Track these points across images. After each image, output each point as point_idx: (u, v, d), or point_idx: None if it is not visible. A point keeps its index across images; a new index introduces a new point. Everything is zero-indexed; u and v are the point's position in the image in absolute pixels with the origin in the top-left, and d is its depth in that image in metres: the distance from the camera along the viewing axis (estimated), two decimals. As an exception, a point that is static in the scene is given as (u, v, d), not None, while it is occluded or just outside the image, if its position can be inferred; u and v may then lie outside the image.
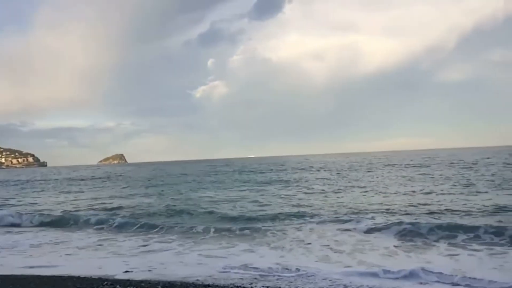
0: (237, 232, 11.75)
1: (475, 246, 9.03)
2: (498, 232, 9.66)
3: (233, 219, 13.96)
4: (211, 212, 15.44)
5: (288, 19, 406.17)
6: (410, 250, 9.04)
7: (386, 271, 7.08)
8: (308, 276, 7.14)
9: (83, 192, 29.88)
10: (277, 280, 7.04)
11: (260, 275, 7.39)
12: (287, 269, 7.73)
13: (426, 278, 6.70)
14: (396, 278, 6.83)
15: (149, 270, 7.98)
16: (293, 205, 16.75)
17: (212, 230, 12.09)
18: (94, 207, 19.36)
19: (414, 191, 19.76)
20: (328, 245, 9.76)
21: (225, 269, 7.92)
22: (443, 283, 6.54)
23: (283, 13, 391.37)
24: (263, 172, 45.15)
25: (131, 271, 7.85)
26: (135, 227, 13.23)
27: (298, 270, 7.56)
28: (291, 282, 6.90)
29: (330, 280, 6.87)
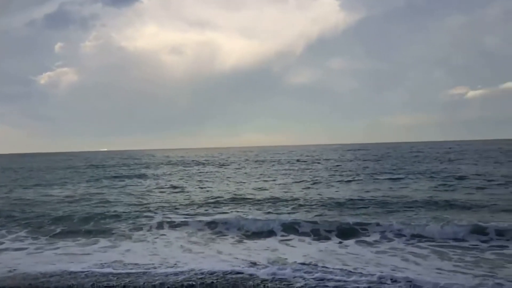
0: (91, 229, 11.53)
1: (304, 238, 10.24)
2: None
3: (82, 218, 13.12)
4: (54, 212, 14.27)
5: (146, 9, 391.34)
6: (252, 242, 9.98)
7: (253, 263, 7.90)
8: (193, 271, 7.47)
9: None
10: (166, 276, 7.23)
11: (143, 272, 7.48)
12: (167, 263, 8.10)
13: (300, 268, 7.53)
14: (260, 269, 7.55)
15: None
16: (145, 201, 16.76)
17: (60, 227, 11.72)
18: None
19: (266, 186, 21.35)
20: (183, 237, 10.41)
21: (93, 267, 7.83)
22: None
23: (140, 2, 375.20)
24: (114, 167, 43.40)
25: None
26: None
27: (177, 263, 7.96)
28: (177, 276, 7.22)
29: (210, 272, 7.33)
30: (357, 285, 6.45)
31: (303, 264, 7.72)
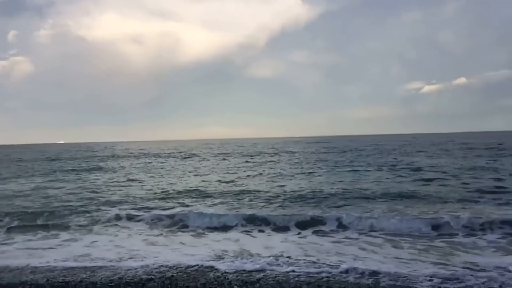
0: (48, 224, 11.21)
1: (265, 229, 10.31)
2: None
3: (38, 212, 12.54)
4: (8, 206, 13.74)
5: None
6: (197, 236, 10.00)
7: (214, 256, 8.08)
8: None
9: None
10: (126, 270, 7.17)
11: (104, 266, 7.39)
12: (130, 256, 8.06)
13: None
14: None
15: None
16: (104, 194, 16.41)
17: (16, 222, 11.39)
18: None
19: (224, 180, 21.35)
20: (144, 230, 10.42)
21: (55, 262, 7.67)
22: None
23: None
24: (71, 160, 42.14)
25: None
26: None
27: (139, 257, 7.95)
28: (136, 270, 7.18)
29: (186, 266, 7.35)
30: (321, 276, 6.58)
31: (265, 255, 7.81)
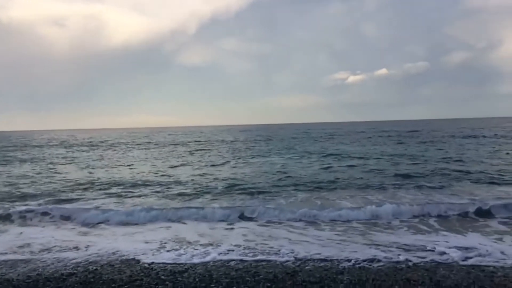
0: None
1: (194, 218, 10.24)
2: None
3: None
4: None
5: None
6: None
7: (141, 247, 7.86)
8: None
9: None
10: (47, 265, 6.86)
11: (27, 259, 7.06)
12: (61, 247, 7.81)
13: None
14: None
15: None
16: (22, 186, 15.45)
17: None
18: None
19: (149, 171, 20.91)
20: (68, 223, 10.00)
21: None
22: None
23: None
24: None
25: None
26: None
27: (68, 250, 7.66)
28: (59, 263, 6.83)
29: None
30: (250, 262, 6.67)
31: (197, 244, 7.78)
